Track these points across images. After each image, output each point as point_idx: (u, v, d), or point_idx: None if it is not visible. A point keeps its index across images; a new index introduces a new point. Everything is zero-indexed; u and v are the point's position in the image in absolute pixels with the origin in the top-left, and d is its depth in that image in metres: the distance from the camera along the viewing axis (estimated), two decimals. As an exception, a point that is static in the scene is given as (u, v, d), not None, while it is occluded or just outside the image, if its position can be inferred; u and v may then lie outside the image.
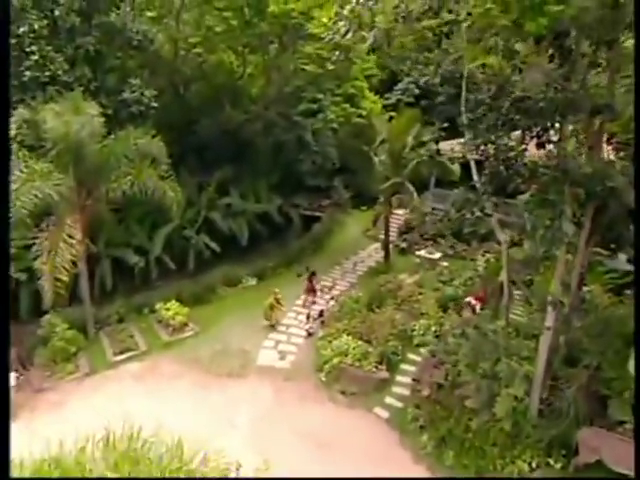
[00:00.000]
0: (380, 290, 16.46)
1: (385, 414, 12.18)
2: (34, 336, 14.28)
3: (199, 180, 20.31)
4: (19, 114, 12.67)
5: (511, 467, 9.84)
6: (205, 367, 13.85)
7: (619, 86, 8.96)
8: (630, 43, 8.15)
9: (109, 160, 13.31)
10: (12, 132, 11.84)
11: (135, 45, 15.58)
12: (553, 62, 7.53)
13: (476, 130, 8.36)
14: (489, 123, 7.91)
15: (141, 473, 6.18)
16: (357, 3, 6.65)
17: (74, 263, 12.53)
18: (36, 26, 13.71)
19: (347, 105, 18.82)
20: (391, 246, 20.31)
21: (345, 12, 6.66)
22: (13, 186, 10.15)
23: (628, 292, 12.85)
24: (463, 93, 10.09)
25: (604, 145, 10.30)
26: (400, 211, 23.31)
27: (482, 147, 8.49)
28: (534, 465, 9.77)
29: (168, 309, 15.83)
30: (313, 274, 17.72)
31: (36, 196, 10.85)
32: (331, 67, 15.41)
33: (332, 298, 17.17)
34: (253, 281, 19.02)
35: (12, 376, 12.34)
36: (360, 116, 19.09)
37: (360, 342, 13.86)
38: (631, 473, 8.52)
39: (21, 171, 11.12)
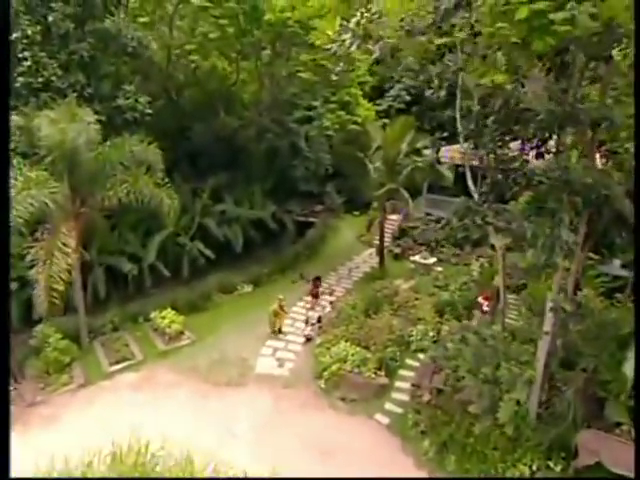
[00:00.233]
0: (376, 296, 16.54)
1: (385, 420, 12.22)
2: (25, 346, 13.96)
3: (193, 186, 20.20)
4: (12, 120, 12.45)
5: (512, 470, 9.96)
6: (203, 376, 13.71)
7: (610, 97, 9.27)
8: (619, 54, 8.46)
9: (104, 167, 13.17)
10: (5, 139, 11.61)
11: (130, 52, 15.46)
12: (550, 75, 7.75)
13: (477, 140, 8.54)
14: (492, 135, 8.10)
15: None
16: (362, 16, 6.76)
17: (69, 272, 12.32)
18: (29, 32, 13.53)
19: (342, 112, 19.01)
20: (385, 251, 20.47)
21: (351, 25, 6.76)
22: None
23: (618, 295, 13.21)
24: (458, 101, 10.33)
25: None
26: (394, 216, 23.52)
27: (484, 157, 8.67)
28: (534, 468, 9.92)
29: (164, 317, 15.66)
30: (318, 278, 17.75)
31: (32, 205, 10.65)
32: (335, 77, 15.56)
33: (331, 303, 17.20)
34: (249, 288, 18.96)
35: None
36: (355, 123, 19.28)
37: (358, 348, 13.89)
38: (630, 474, 8.74)
39: (16, 179, 10.92)
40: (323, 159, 22.53)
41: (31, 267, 12.02)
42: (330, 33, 7.25)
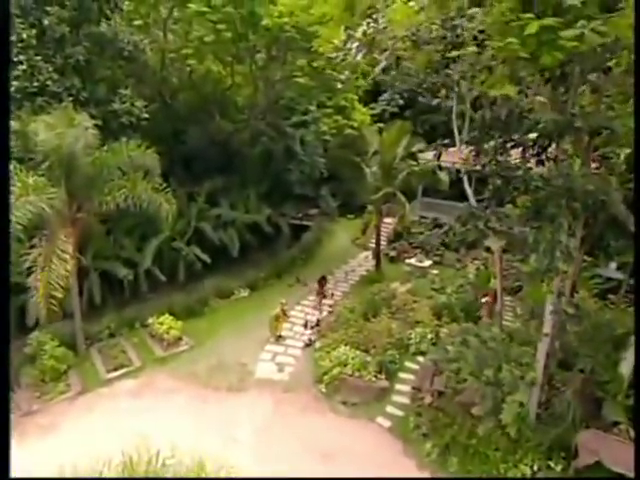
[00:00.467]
0: (374, 299, 16.64)
1: (387, 423, 12.30)
2: (20, 354, 13.72)
3: (188, 191, 20.08)
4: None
5: (514, 471, 10.12)
6: (203, 382, 13.63)
7: (603, 104, 9.53)
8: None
9: (102, 172, 13.05)
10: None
11: (126, 56, 15.35)
12: (549, 85, 7.94)
13: (479, 146, 8.70)
14: (496, 142, 8.26)
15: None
16: (368, 26, 6.86)
17: (66, 278, 12.16)
18: (24, 35, 13.36)
19: (339, 117, 19.13)
20: (381, 254, 20.58)
21: (357, 34, 6.85)
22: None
23: (612, 297, 13.53)
24: (454, 108, 10.51)
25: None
26: (388, 219, 23.67)
27: (487, 164, 8.84)
28: (535, 468, 10.09)
29: (161, 323, 15.53)
30: (323, 278, 17.89)
31: (30, 211, 10.51)
32: (340, 85, 15.68)
33: (330, 307, 17.25)
34: (245, 292, 18.90)
35: None
36: (351, 127, 19.41)
37: (358, 352, 13.97)
38: (630, 473, 8.96)
39: (14, 185, 10.76)
40: (318, 163, 22.60)
41: (27, 274, 11.82)
42: (336, 42, 7.32)
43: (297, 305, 17.97)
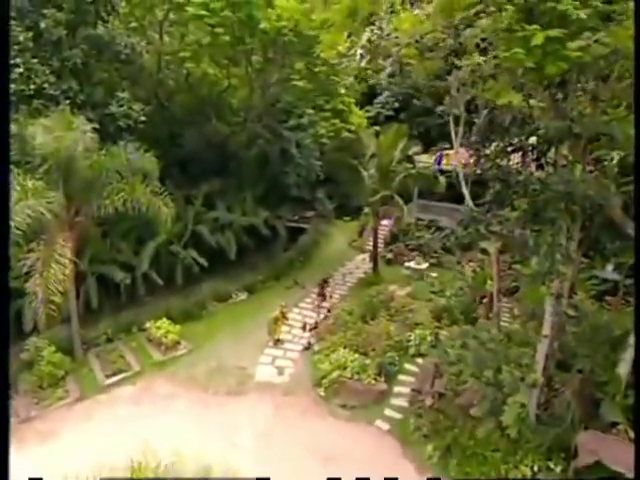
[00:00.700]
0: (372, 302, 16.69)
1: (386, 426, 12.34)
2: (17, 360, 13.55)
3: (185, 193, 20.00)
4: (5, 129, 12.14)
5: (514, 472, 10.20)
6: (202, 386, 13.59)
7: (599, 111, 9.71)
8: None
9: (101, 176, 12.96)
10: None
11: (123, 59, 15.27)
12: (548, 91, 8.08)
13: (481, 151, 8.82)
14: (497, 147, 8.39)
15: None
16: (372, 33, 6.92)
17: (65, 283, 12.06)
18: (21, 38, 13.25)
19: (337, 120, 19.22)
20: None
21: (363, 41, 6.90)
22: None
23: (609, 298, 13.72)
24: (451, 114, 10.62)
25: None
26: (384, 222, 23.78)
27: (488, 169, 8.96)
28: (535, 469, 10.18)
29: (159, 327, 15.45)
30: (325, 280, 18.05)
31: (29, 215, 10.42)
32: (343, 91, 15.71)
33: (328, 311, 17.28)
34: (243, 295, 18.88)
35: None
36: (349, 131, 19.50)
37: (357, 355, 14.01)
38: (630, 472, 9.09)
39: (13, 189, 10.65)
40: (314, 165, 22.64)
41: (24, 279, 11.70)
42: (340, 48, 7.37)
43: (295, 308, 17.98)
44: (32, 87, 13.48)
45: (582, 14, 5.51)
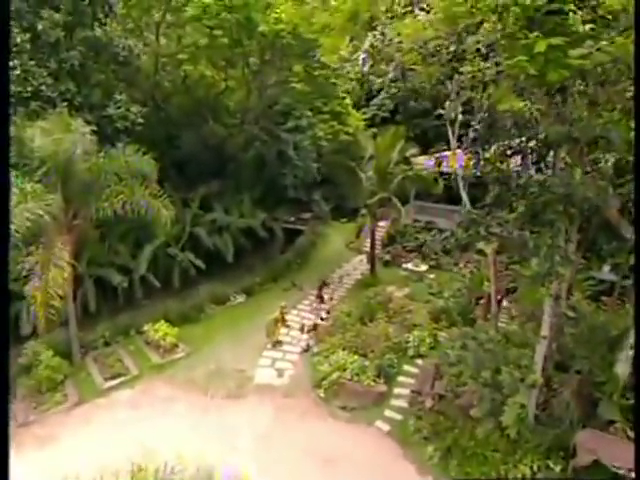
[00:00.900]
0: (371, 303, 16.75)
1: (386, 427, 12.39)
2: (14, 364, 13.43)
3: (183, 196, 19.94)
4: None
5: (514, 471, 10.30)
6: (202, 389, 13.55)
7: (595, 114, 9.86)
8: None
9: (99, 178, 12.91)
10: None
11: (121, 61, 15.21)
12: (547, 96, 8.20)
13: (480, 154, 8.93)
14: (497, 150, 8.49)
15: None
16: (375, 38, 6.99)
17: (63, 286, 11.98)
18: (18, 39, 13.16)
19: (335, 122, 19.28)
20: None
21: (366, 46, 6.96)
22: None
23: (605, 299, 13.90)
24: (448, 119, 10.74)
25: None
26: (381, 223, 23.84)
27: (488, 172, 9.07)
28: (535, 469, 10.29)
29: (157, 330, 15.38)
30: (324, 283, 18.28)
31: (28, 219, 10.35)
32: (346, 95, 15.71)
33: (327, 312, 17.31)
34: (241, 298, 18.85)
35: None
36: (346, 133, 19.57)
37: (356, 356, 14.04)
38: (628, 469, 9.23)
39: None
40: (311, 167, 22.67)
41: (23, 282, 11.62)
42: (343, 52, 7.42)
43: (293, 309, 17.99)
44: (29, 89, 13.40)
45: (587, 29, 5.60)
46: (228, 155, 21.40)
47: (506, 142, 8.73)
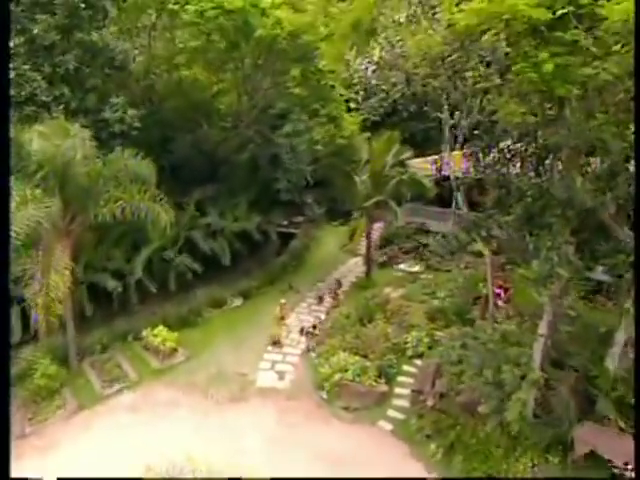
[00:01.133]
0: (368, 304, 16.90)
1: (389, 426, 12.56)
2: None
3: (177, 200, 19.80)
4: None
5: (516, 465, 10.58)
6: (203, 393, 13.52)
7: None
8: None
9: (98, 183, 12.79)
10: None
11: (117, 65, 15.10)
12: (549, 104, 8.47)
13: (480, 159, 9.19)
14: (498, 155, 8.75)
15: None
16: (381, 47, 7.13)
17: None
18: (12, 43, 12.96)
19: (331, 126, 19.46)
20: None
21: (375, 57, 7.10)
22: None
23: (601, 299, 14.37)
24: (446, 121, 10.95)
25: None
26: (375, 225, 24.00)
27: (489, 175, 9.32)
28: (535, 462, 10.58)
29: (156, 335, 15.26)
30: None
31: (28, 224, 10.21)
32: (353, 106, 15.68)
33: (327, 313, 17.41)
34: (238, 301, 18.82)
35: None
36: (341, 137, 19.76)
37: (357, 357, 14.17)
38: (624, 463, 9.57)
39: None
40: (304, 170, 22.73)
41: (22, 287, 11.45)
42: (347, 57, 7.55)
43: (291, 312, 18.02)
44: (23, 94, 13.21)
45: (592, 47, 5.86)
46: (222, 159, 21.33)
47: (506, 146, 8.99)
